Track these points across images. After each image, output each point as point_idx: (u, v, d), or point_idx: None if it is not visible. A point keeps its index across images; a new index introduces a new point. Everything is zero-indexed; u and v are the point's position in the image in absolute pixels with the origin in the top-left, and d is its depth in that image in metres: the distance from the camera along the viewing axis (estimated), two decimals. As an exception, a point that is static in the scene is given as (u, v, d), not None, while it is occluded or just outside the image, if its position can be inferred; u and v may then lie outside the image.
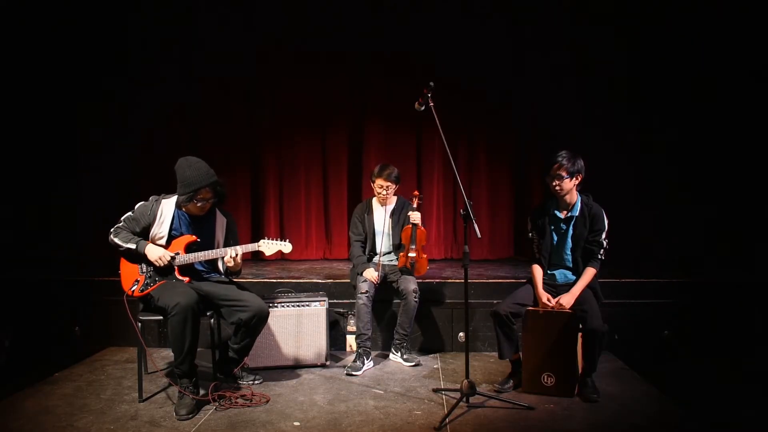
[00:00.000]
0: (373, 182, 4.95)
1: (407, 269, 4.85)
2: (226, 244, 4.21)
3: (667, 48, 6.44)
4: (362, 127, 6.95)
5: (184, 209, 4.11)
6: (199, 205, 4.04)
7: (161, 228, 4.09)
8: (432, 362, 4.89)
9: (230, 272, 4.26)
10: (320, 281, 5.37)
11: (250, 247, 4.14)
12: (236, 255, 4.06)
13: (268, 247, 4.13)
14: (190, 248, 4.12)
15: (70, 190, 6.80)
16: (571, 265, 4.26)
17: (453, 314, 5.16)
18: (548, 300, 4.17)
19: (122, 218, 4.13)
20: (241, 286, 4.28)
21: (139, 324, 4.05)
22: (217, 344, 4.37)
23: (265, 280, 5.43)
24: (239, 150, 6.94)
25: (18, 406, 3.98)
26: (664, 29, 6.41)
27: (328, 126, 6.96)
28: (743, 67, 6.25)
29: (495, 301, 4.54)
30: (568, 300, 4.11)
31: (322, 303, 4.79)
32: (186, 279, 4.10)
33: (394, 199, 5.05)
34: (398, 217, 5.00)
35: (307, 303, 4.76)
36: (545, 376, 4.12)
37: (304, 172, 6.98)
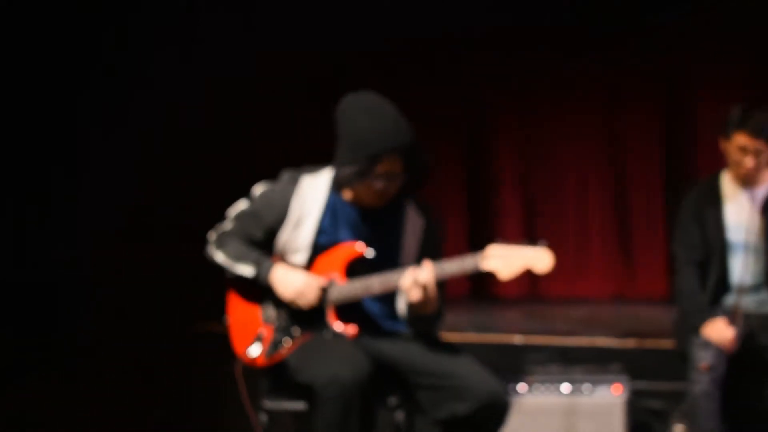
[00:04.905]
0: (728, 140, 3.02)
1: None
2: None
3: None
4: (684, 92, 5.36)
5: (348, 194, 2.50)
6: (378, 186, 2.41)
7: (299, 231, 2.45)
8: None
9: (417, 316, 2.50)
10: (612, 343, 3.93)
11: (468, 265, 2.32)
12: (430, 280, 2.30)
13: (504, 261, 2.24)
14: (354, 269, 2.46)
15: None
16: None
17: None
18: None
19: (230, 216, 2.59)
20: (455, 350, 2.58)
21: (265, 418, 2.59)
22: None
23: (501, 336, 3.92)
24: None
25: None
26: None
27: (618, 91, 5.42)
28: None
29: None
30: None
31: (616, 388, 3.40)
32: (351, 331, 2.48)
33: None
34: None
35: (587, 387, 3.40)
36: None
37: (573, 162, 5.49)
